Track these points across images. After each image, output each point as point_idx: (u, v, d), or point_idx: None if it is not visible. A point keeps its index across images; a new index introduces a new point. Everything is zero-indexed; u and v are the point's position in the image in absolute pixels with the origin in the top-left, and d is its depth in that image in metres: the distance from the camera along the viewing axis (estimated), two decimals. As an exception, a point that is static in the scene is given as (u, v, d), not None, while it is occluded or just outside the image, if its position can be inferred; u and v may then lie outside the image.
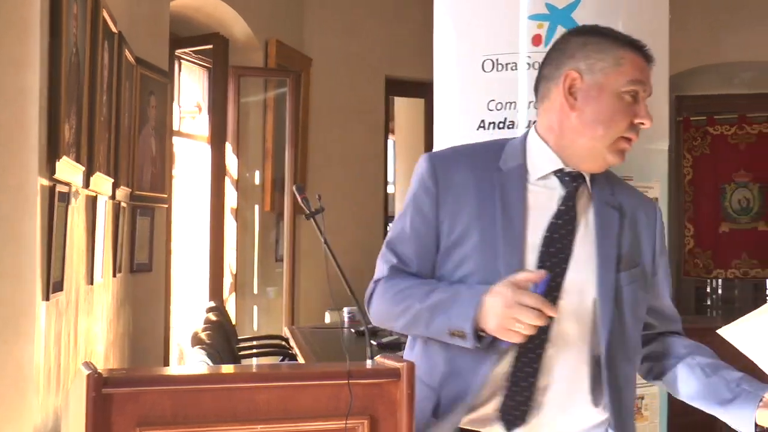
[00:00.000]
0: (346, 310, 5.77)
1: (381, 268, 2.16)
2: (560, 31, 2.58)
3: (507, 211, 2.02)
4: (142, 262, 5.20)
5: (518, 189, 2.05)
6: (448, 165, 2.11)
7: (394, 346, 4.75)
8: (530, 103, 2.62)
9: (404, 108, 9.25)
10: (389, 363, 1.81)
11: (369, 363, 1.85)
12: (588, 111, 2.02)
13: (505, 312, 1.86)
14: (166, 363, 5.78)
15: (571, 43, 2.08)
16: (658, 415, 2.69)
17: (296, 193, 2.19)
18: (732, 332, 1.98)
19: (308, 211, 2.10)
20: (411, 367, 1.76)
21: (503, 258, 1.99)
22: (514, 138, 2.20)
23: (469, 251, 2.03)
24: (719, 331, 2.00)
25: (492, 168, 2.08)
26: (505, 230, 2.01)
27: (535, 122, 2.16)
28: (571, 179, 2.07)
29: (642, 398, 2.65)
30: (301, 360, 4.80)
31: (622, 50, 2.04)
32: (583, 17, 2.59)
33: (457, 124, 2.76)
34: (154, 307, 5.50)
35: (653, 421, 2.67)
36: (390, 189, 8.86)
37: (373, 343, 4.78)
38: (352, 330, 5.63)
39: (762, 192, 7.53)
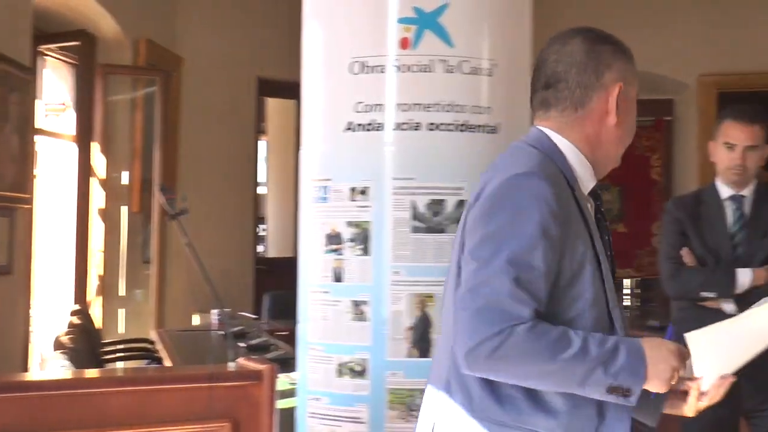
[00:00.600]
0: (214, 312, 5.68)
1: (515, 310, 1.73)
2: (428, 35, 2.62)
3: (594, 236, 1.89)
4: (0, 264, 5.00)
5: (586, 207, 1.92)
6: (557, 183, 1.84)
7: (263, 348, 4.71)
8: (398, 105, 2.63)
9: (276, 109, 9.20)
10: (252, 365, 1.79)
11: (231, 365, 1.83)
12: (627, 122, 1.96)
13: (673, 365, 1.78)
14: (26, 369, 5.58)
15: (604, 50, 1.96)
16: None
17: (160, 193, 2.14)
18: (696, 339, 1.93)
19: (172, 212, 2.05)
20: (272, 369, 1.75)
21: (609, 290, 1.87)
22: (538, 148, 1.93)
23: (586, 285, 1.84)
24: (686, 335, 1.93)
25: (565, 185, 1.88)
26: (602, 257, 1.88)
27: (537, 127, 1.98)
28: (598, 190, 2.02)
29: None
30: (167, 363, 4.70)
31: (632, 60, 2.01)
32: (450, 22, 2.63)
33: (324, 126, 2.77)
34: (13, 311, 5.30)
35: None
36: (261, 190, 8.80)
37: (242, 345, 4.74)
38: (221, 332, 5.56)
39: (621, 195, 7.79)
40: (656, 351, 1.78)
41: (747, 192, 3.38)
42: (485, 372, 1.77)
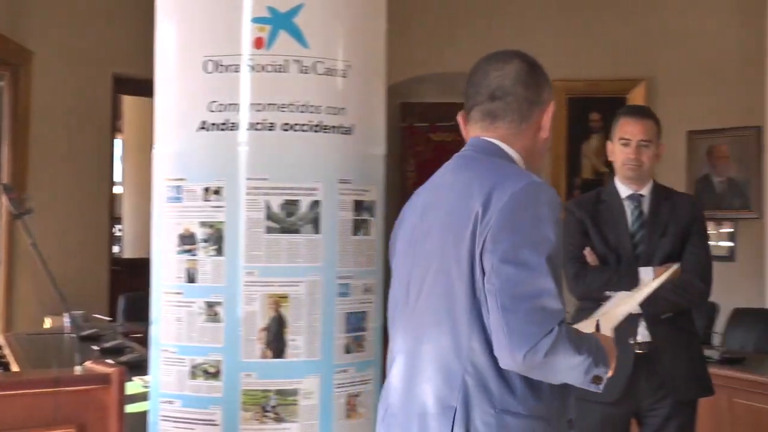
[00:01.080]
0: (66, 315, 5.51)
1: (556, 309, 1.89)
2: (283, 35, 2.61)
3: None
4: None
5: None
6: None
7: (117, 351, 4.60)
8: (252, 105, 2.62)
9: (133, 107, 9.00)
10: (99, 368, 1.75)
11: (78, 369, 1.78)
12: (550, 136, 2.19)
13: (616, 354, 2.03)
14: None
15: (541, 72, 2.16)
16: (373, 412, 2.76)
17: (4, 192, 2.07)
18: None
19: (16, 212, 1.99)
20: (121, 372, 1.71)
21: None
22: (503, 158, 2.12)
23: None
24: (599, 320, 2.23)
25: None
26: None
27: (484, 138, 2.14)
28: None
29: (358, 395, 2.72)
30: (15, 369, 4.53)
31: None
32: (305, 22, 2.63)
33: (178, 125, 2.72)
34: None
35: (368, 417, 2.74)
36: (117, 190, 8.59)
37: (96, 348, 4.63)
38: (74, 335, 5.39)
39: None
40: (608, 344, 2.02)
41: (645, 191, 3.47)
42: (539, 370, 1.90)
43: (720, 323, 6.23)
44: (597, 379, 1.94)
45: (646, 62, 7.70)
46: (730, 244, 7.52)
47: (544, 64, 2.22)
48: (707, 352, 4.88)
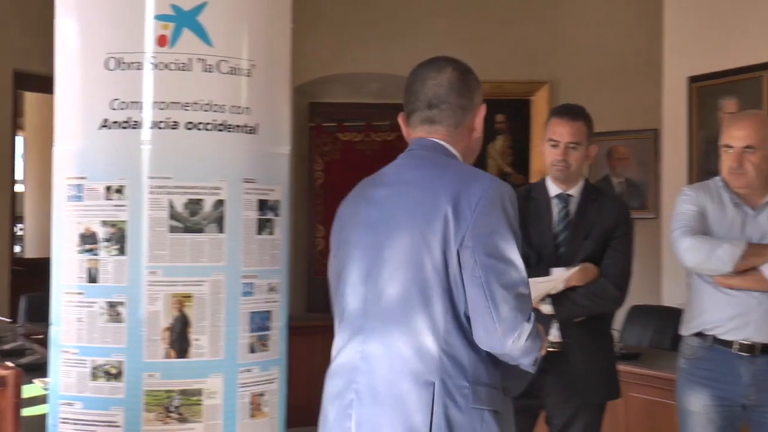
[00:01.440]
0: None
1: (529, 297, 2.17)
2: (186, 33, 2.58)
3: None
4: None
5: None
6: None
7: (17, 353, 4.49)
8: (155, 103, 2.58)
9: (35, 104, 8.79)
10: (-6, 371, 1.70)
11: (-28, 372, 1.73)
12: (480, 134, 2.39)
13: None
14: None
15: (472, 78, 2.38)
16: (278, 410, 2.76)
17: None
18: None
19: None
20: (17, 374, 1.67)
21: None
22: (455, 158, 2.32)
23: None
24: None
25: None
26: None
27: (432, 139, 2.31)
28: None
29: (262, 395, 2.71)
30: None
31: None
32: (209, 21, 2.60)
33: (79, 123, 2.67)
34: None
35: (273, 416, 2.73)
36: (18, 188, 8.37)
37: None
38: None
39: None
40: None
41: (574, 192, 3.48)
42: (525, 353, 2.12)
43: (618, 320, 6.38)
44: (536, 361, 2.16)
45: (549, 66, 7.85)
46: (629, 243, 7.72)
47: None
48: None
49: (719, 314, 3.29)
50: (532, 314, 2.12)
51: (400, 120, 2.40)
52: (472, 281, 2.10)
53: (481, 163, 7.94)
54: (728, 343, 3.27)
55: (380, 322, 2.20)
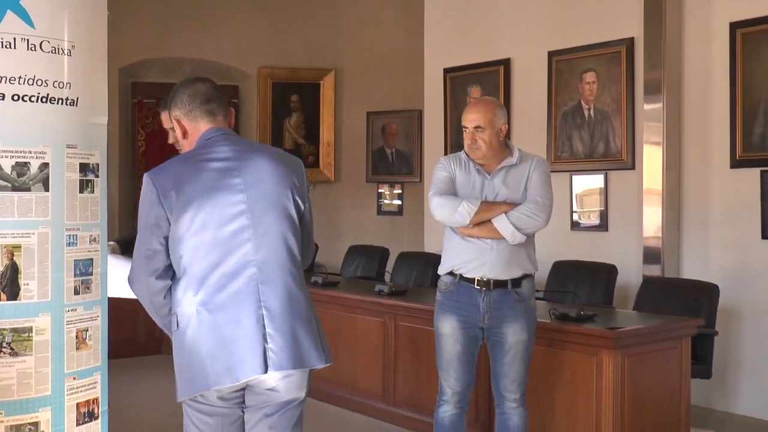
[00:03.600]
0: None
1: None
2: (10, 15, 2.42)
3: None
4: None
5: None
6: None
7: None
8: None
9: None
10: None
11: None
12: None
13: None
14: None
15: (221, 89, 2.65)
16: (100, 343, 2.67)
17: None
18: None
19: None
20: None
21: None
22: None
23: None
24: None
25: None
26: None
27: (223, 128, 2.56)
28: None
29: (87, 330, 2.61)
30: None
31: None
32: (31, 5, 2.45)
33: None
34: None
35: (96, 348, 2.65)
36: None
37: None
38: None
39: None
40: None
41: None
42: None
43: (390, 264, 6.57)
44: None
45: (334, 56, 7.91)
46: (399, 202, 7.94)
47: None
48: (380, 286, 5.15)
49: (464, 257, 3.45)
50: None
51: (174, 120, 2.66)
52: (306, 222, 2.55)
53: (278, 136, 7.93)
54: (471, 280, 3.44)
55: (264, 253, 2.40)
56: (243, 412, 2.43)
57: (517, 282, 3.42)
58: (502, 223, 3.35)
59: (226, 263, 2.36)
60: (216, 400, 2.37)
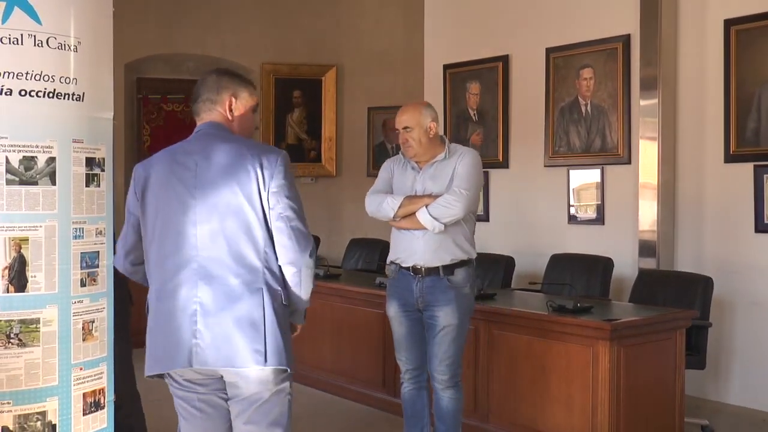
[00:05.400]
0: None
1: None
2: (17, 12, 2.41)
3: None
4: None
5: None
6: None
7: None
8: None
9: None
10: None
11: None
12: None
13: None
14: None
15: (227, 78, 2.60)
16: (106, 334, 2.67)
17: None
18: None
19: None
20: None
21: None
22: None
23: None
24: None
25: None
26: None
27: (214, 122, 2.53)
28: None
29: (93, 321, 2.61)
30: None
31: None
32: (38, 2, 2.43)
33: None
34: None
35: (102, 339, 2.64)
36: None
37: None
38: None
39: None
40: None
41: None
42: (312, 267, 2.46)
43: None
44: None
45: (336, 51, 7.88)
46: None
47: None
48: (381, 279, 5.14)
49: (399, 248, 3.68)
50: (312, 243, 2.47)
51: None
52: (280, 217, 2.38)
53: (281, 131, 7.92)
54: (407, 268, 3.63)
55: (211, 242, 2.38)
56: (223, 399, 2.48)
57: (449, 269, 3.57)
58: (422, 215, 3.51)
59: (174, 255, 2.41)
60: (183, 381, 2.45)
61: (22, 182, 2.44)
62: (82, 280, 2.57)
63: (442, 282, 3.56)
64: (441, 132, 3.88)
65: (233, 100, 2.53)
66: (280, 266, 2.42)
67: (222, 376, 2.43)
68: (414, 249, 3.58)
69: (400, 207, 3.55)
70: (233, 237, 2.37)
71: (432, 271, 3.56)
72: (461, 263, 3.58)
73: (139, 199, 2.48)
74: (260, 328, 2.36)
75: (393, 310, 3.70)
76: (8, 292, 2.45)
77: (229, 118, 2.53)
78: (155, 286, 2.46)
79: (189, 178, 2.40)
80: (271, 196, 2.38)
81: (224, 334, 2.35)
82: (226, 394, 2.46)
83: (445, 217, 3.49)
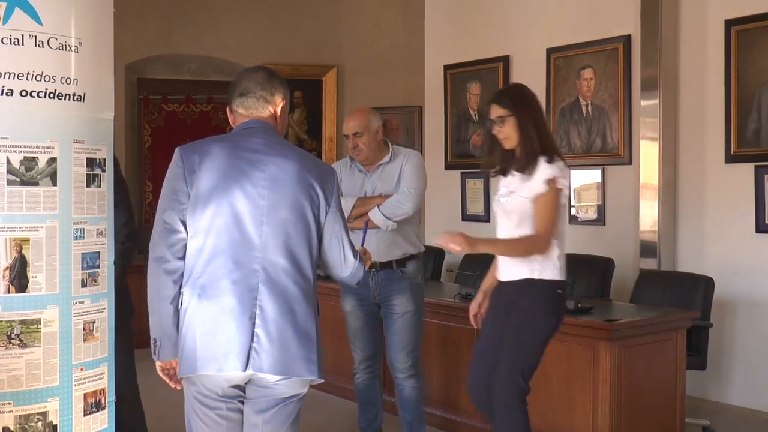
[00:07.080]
0: None
1: None
2: (18, 12, 2.40)
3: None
4: None
5: None
6: None
7: None
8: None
9: None
10: None
11: None
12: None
13: None
14: None
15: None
16: (107, 335, 2.67)
17: None
18: None
19: None
20: None
21: None
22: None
23: None
24: None
25: None
26: None
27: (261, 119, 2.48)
28: None
29: (94, 322, 2.60)
30: None
31: None
32: (39, 2, 2.42)
33: None
34: None
35: (103, 340, 2.64)
36: None
37: None
38: None
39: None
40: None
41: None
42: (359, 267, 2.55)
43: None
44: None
45: (336, 52, 7.87)
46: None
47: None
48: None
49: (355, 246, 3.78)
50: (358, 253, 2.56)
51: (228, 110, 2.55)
52: (334, 231, 2.45)
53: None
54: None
55: (275, 246, 2.34)
56: (242, 403, 2.40)
57: (402, 262, 3.82)
58: (375, 214, 3.73)
59: (233, 252, 2.30)
60: (216, 396, 2.35)
61: (23, 183, 2.43)
62: (83, 280, 2.56)
63: (396, 274, 3.80)
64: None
65: (283, 102, 2.50)
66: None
67: (249, 380, 2.36)
68: (369, 246, 3.59)
69: (353, 208, 3.75)
70: (296, 246, 2.36)
71: (386, 266, 3.79)
72: (411, 257, 3.84)
73: (191, 188, 2.34)
74: (313, 338, 2.36)
75: (349, 304, 3.92)
76: (9, 292, 2.44)
77: (277, 118, 2.50)
78: (202, 281, 2.31)
79: (259, 179, 2.34)
80: (330, 214, 2.44)
81: (283, 341, 2.30)
82: (244, 400, 2.40)
83: (396, 215, 3.73)
